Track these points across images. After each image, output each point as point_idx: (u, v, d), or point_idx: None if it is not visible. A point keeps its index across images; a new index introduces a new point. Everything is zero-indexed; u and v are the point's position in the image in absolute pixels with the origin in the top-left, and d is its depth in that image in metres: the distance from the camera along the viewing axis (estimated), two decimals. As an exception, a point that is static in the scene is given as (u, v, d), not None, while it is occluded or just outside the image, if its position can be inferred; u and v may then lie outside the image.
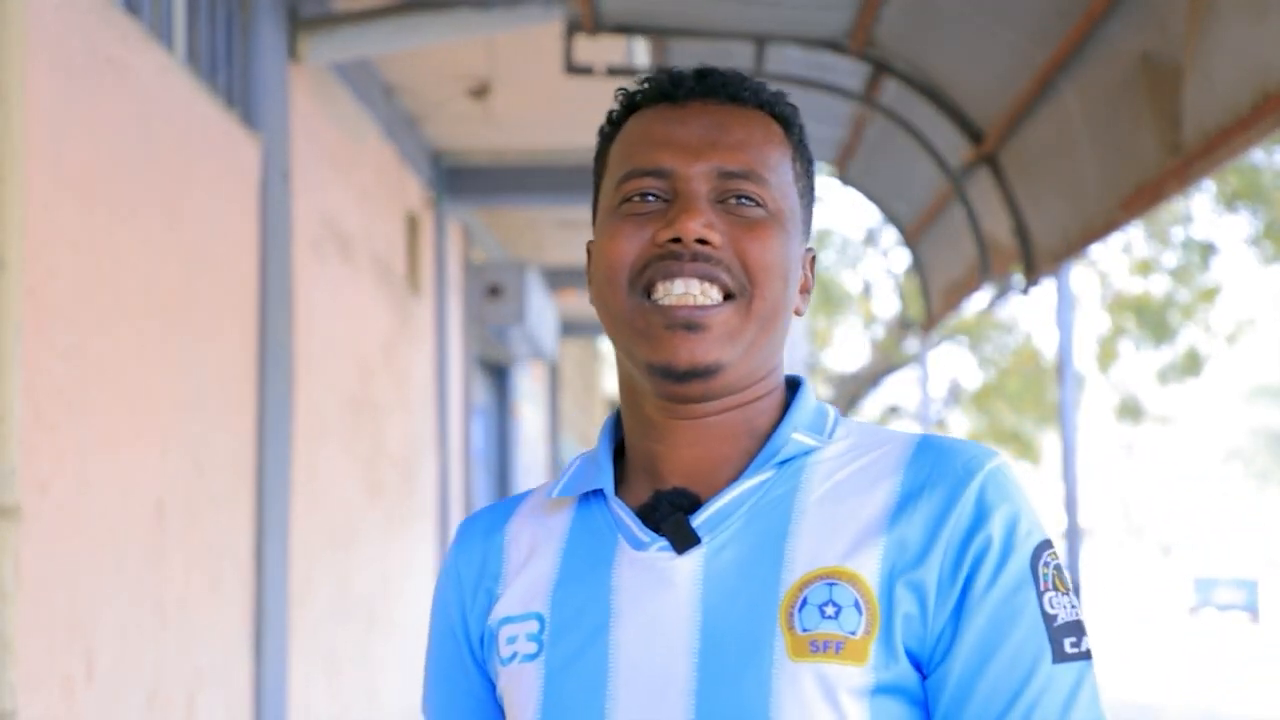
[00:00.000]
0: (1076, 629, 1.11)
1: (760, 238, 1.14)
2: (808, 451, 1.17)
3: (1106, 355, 13.62)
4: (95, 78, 3.30)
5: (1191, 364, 13.42)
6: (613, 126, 1.23)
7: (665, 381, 1.14)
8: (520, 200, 7.83)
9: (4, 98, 2.56)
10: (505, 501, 1.31)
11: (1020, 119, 4.51)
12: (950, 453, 1.15)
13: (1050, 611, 1.10)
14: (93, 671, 3.20)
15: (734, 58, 4.72)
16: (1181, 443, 36.26)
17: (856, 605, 1.08)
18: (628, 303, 1.15)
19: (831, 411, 1.22)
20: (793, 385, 1.25)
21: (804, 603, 1.09)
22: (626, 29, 4.67)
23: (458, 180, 7.48)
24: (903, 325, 14.20)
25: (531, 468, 10.90)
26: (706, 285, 1.12)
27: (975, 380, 15.99)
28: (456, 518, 7.84)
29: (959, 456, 1.14)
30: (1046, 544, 1.13)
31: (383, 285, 6.30)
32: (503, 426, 9.88)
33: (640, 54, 5.79)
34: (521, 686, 1.16)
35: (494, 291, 8.23)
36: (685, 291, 1.12)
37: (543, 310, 8.99)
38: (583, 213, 9.38)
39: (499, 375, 9.87)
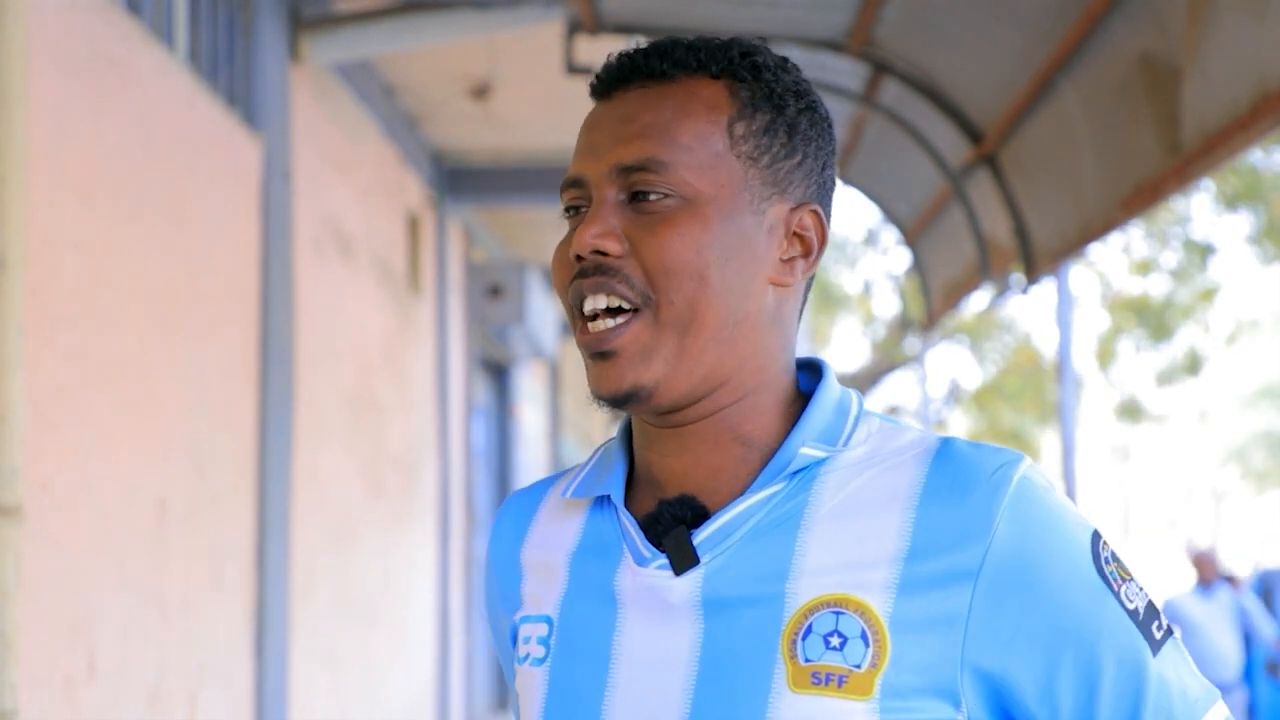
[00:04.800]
0: (1152, 611, 1.07)
1: (659, 236, 1.06)
2: (821, 461, 1.09)
3: (1106, 355, 13.64)
4: (97, 77, 3.31)
5: (1191, 364, 13.43)
6: None
7: (608, 408, 1.10)
8: (520, 200, 7.84)
9: (6, 97, 2.56)
10: (540, 484, 1.27)
11: (1020, 119, 4.52)
12: (969, 466, 1.06)
13: (1130, 606, 1.06)
14: (94, 671, 3.21)
15: (734, 58, 4.73)
16: (1179, 443, 36.24)
17: (864, 636, 1.03)
18: (575, 331, 1.11)
19: (854, 407, 1.13)
20: (817, 371, 1.16)
21: (808, 631, 1.04)
22: (627, 29, 4.68)
23: (458, 180, 7.48)
24: (903, 325, 14.21)
25: (532, 467, 10.90)
26: (613, 297, 1.07)
27: (975, 380, 16.01)
28: (457, 517, 7.84)
29: (980, 470, 1.06)
30: (1096, 537, 1.07)
31: (383, 285, 6.30)
32: (503, 426, 9.89)
33: (640, 54, 5.78)
34: (530, 690, 1.15)
35: (495, 291, 8.24)
36: (594, 308, 1.08)
37: (543, 310, 9.00)
38: (583, 213, 9.41)
39: (500, 375, 9.88)
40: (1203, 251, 12.33)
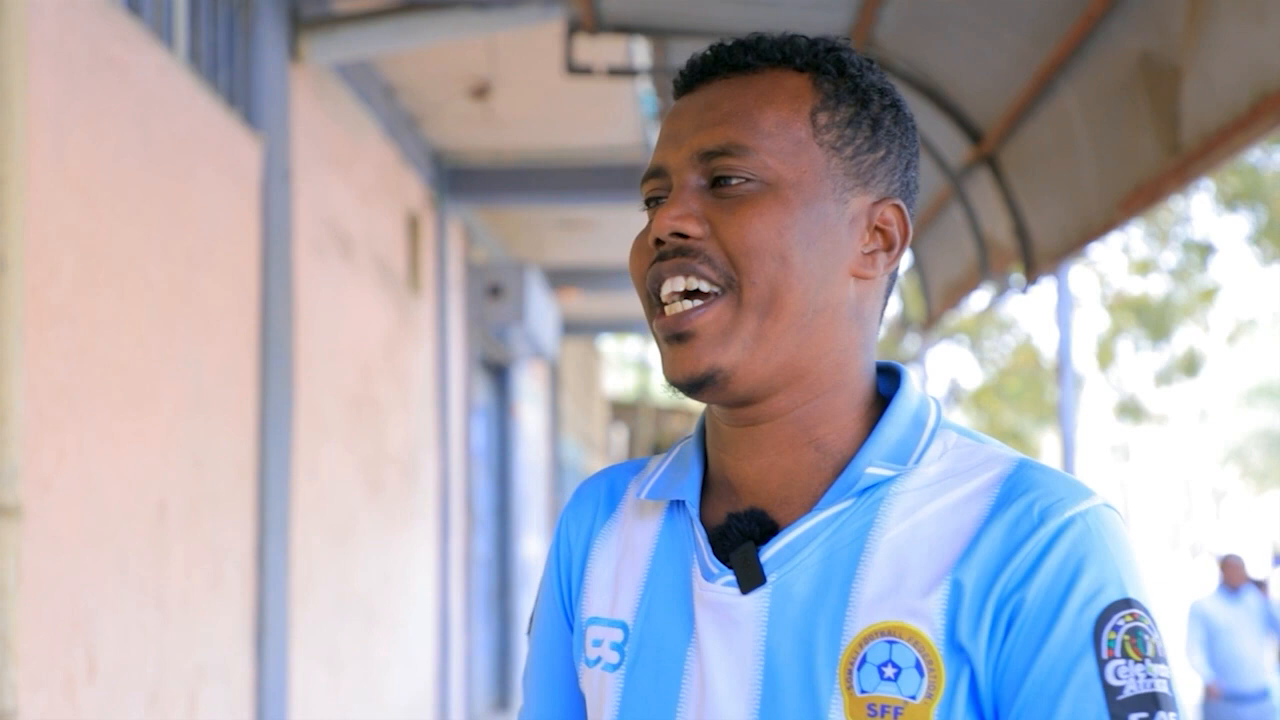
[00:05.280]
0: (1148, 702, 0.97)
1: (739, 218, 1.04)
2: (889, 480, 1.06)
3: (1106, 355, 13.64)
4: (97, 77, 3.31)
5: (1190, 364, 13.44)
6: None
7: (682, 394, 1.08)
8: (520, 200, 7.84)
9: (6, 97, 2.56)
10: (621, 470, 1.24)
11: (1020, 119, 4.52)
12: (1032, 492, 1.03)
13: (1114, 683, 0.97)
14: (94, 670, 3.21)
15: (734, 58, 4.74)
16: (1179, 443, 36.23)
17: (918, 666, 1.00)
18: (651, 319, 1.09)
19: (930, 419, 1.10)
20: (896, 377, 1.13)
21: (863, 661, 1.01)
22: (626, 29, 4.68)
23: (458, 180, 7.49)
24: (903, 325, 14.21)
25: (532, 467, 10.90)
26: (692, 279, 1.05)
27: (975, 380, 16.02)
28: (457, 517, 7.84)
29: (1040, 499, 1.02)
30: (1122, 604, 1.00)
31: (383, 285, 6.31)
32: (503, 426, 9.89)
33: (640, 54, 5.79)
34: (601, 695, 1.14)
35: (494, 291, 8.24)
36: (671, 291, 1.06)
37: (543, 310, 9.00)
38: (583, 213, 9.40)
39: (499, 375, 9.88)
40: (1203, 251, 12.34)
